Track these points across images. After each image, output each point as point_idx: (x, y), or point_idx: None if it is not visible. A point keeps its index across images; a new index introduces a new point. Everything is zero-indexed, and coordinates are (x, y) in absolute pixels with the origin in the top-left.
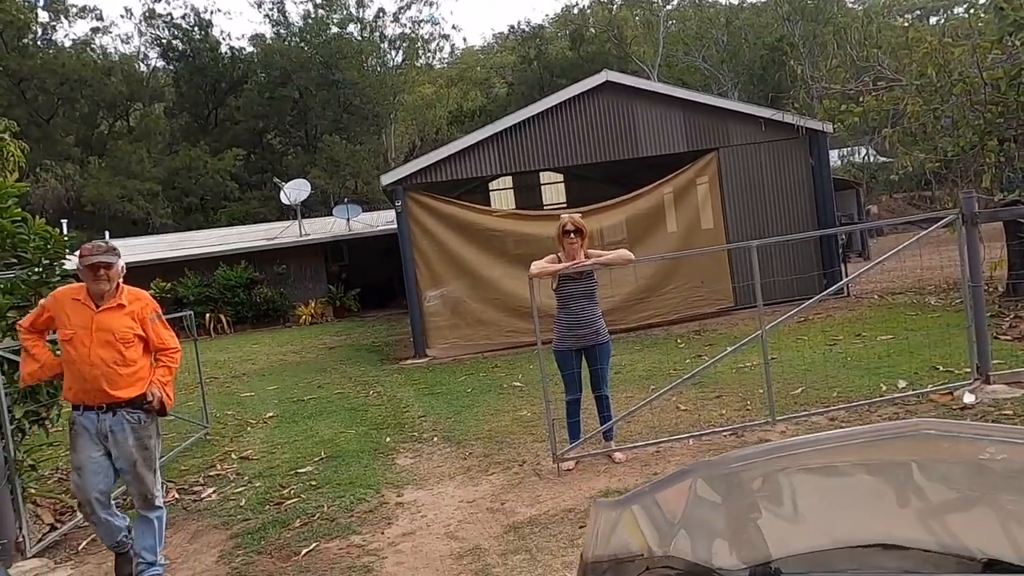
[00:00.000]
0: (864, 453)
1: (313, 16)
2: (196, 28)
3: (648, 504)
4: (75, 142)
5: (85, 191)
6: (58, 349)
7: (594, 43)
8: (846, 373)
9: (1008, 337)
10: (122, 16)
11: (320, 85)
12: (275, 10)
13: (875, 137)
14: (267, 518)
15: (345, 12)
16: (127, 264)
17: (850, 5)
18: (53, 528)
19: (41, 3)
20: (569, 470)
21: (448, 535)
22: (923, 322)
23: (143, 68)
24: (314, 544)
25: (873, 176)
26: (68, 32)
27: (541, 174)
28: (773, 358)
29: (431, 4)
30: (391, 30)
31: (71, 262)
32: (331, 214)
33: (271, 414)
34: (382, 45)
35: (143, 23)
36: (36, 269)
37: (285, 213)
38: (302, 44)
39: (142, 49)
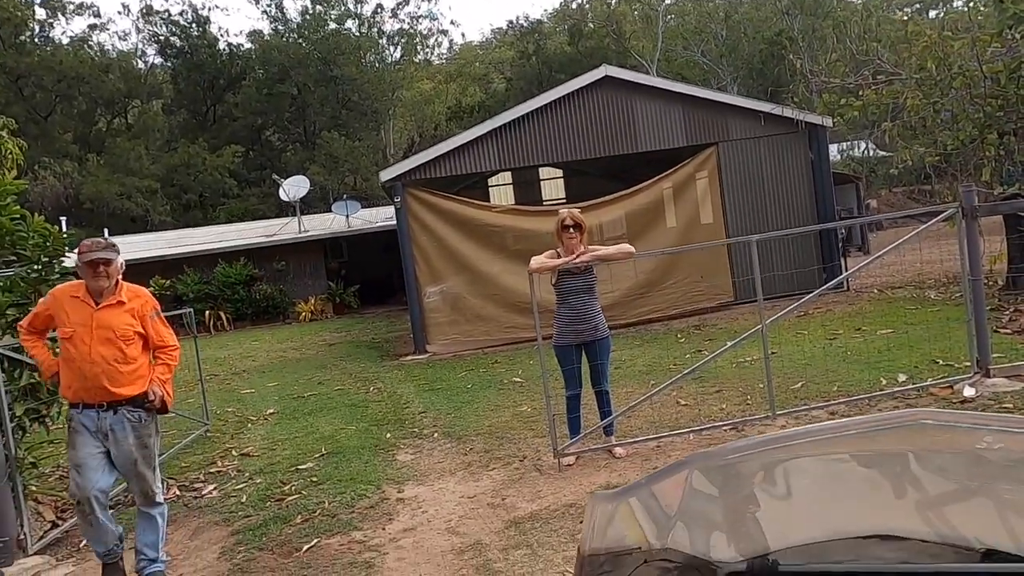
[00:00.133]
0: (861, 444)
1: (311, 12)
2: (194, 25)
3: (645, 496)
4: (73, 139)
5: (84, 188)
6: (57, 348)
7: (593, 38)
8: (846, 367)
9: (1008, 331)
10: (119, 13)
11: (318, 81)
12: (273, 6)
13: (875, 131)
14: (268, 514)
15: (343, 8)
16: (126, 261)
17: None
18: (55, 525)
19: (38, 0)
20: (569, 465)
21: (449, 531)
22: (923, 316)
23: (141, 65)
24: (315, 540)
25: (873, 170)
26: (65, 29)
27: (540, 169)
28: (773, 352)
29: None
30: (389, 26)
31: (70, 259)
32: (330, 210)
33: (271, 411)
34: (380, 41)
35: (140, 20)
36: (35, 267)
37: (284, 210)
38: (300, 40)
39: (140, 46)
